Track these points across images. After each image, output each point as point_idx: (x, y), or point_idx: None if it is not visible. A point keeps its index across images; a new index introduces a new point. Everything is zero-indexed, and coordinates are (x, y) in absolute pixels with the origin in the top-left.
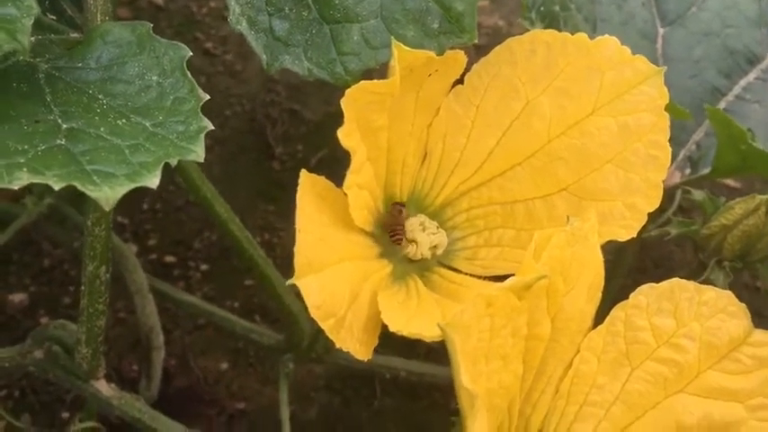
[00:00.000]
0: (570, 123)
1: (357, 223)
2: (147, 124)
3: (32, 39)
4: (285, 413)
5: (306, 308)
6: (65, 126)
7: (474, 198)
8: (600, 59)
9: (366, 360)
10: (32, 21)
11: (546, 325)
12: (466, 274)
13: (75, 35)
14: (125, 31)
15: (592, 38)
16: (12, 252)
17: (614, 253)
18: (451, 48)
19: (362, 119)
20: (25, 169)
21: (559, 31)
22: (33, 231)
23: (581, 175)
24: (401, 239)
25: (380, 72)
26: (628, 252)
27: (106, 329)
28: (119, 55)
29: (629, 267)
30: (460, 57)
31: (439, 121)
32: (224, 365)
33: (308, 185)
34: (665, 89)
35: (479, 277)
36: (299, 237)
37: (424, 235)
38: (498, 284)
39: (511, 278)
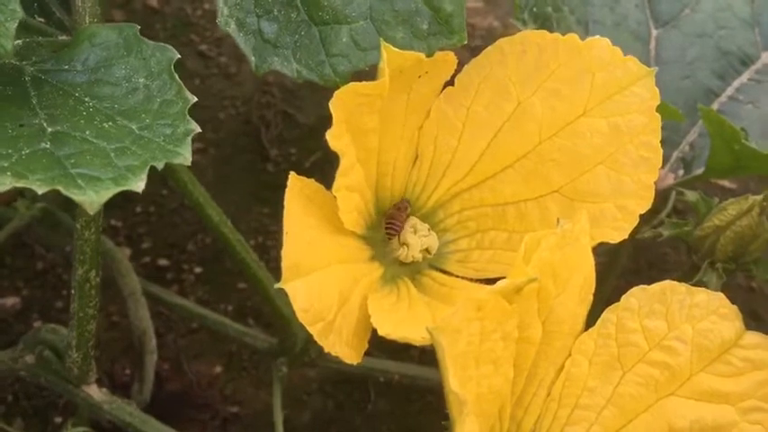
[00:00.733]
0: (561, 125)
1: (347, 226)
2: (134, 127)
3: (20, 42)
4: (278, 417)
5: None
6: (50, 129)
7: (466, 200)
8: (591, 60)
9: (359, 363)
10: (17, 24)
11: (537, 328)
12: (458, 276)
13: (63, 37)
14: (112, 33)
15: (584, 39)
16: (4, 256)
17: (608, 254)
18: (441, 49)
19: (352, 121)
20: (9, 173)
21: (552, 32)
22: (26, 235)
23: (573, 177)
24: (394, 234)
25: (371, 74)
26: (621, 253)
27: (98, 333)
28: (106, 57)
29: (622, 268)
30: (450, 58)
31: (430, 123)
32: (217, 369)
33: (297, 188)
34: (657, 90)
35: (471, 280)
36: (287, 240)
37: (415, 237)
38: (488, 288)
39: (501, 281)
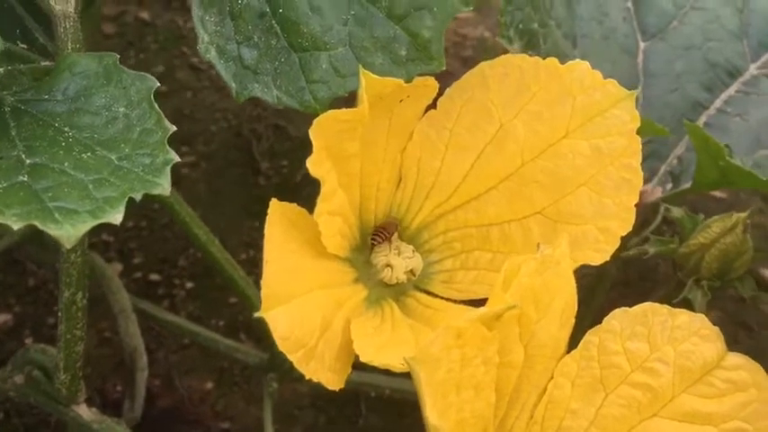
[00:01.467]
0: (543, 147)
1: (330, 250)
2: (113, 157)
3: (1, 70)
4: None
5: None
6: (28, 161)
7: (450, 221)
8: (571, 83)
9: (350, 378)
10: None
11: (518, 352)
12: (442, 298)
13: (46, 63)
14: (92, 62)
15: (572, 54)
16: None
17: (596, 268)
18: (421, 74)
19: (333, 147)
20: None
21: (539, 48)
22: (17, 252)
23: (555, 199)
24: (379, 242)
25: (351, 100)
26: (610, 267)
27: (89, 350)
28: (86, 86)
29: (612, 281)
30: (431, 83)
31: (413, 146)
32: (209, 385)
33: (278, 214)
34: (637, 113)
35: (456, 301)
36: (266, 268)
37: (399, 259)
38: (468, 315)
39: (480, 309)
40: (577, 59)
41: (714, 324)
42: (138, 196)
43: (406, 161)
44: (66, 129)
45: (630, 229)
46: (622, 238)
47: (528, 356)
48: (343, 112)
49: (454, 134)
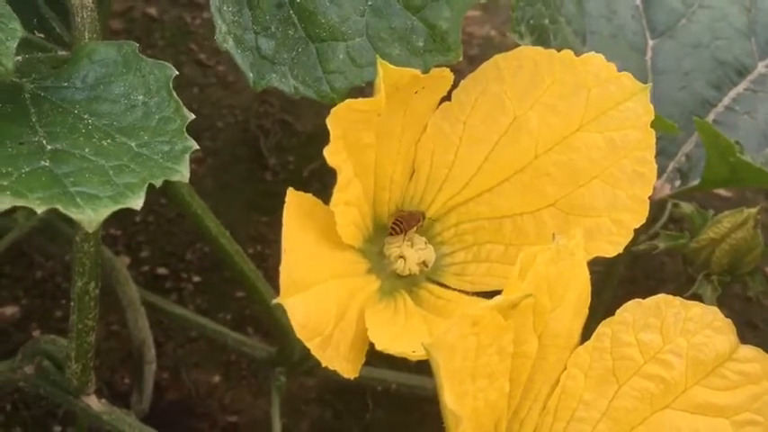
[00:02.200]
0: (557, 139)
1: (345, 240)
2: (132, 144)
3: (19, 58)
4: (277, 426)
5: None
6: (49, 147)
7: (462, 213)
8: (586, 76)
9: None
10: (17, 43)
11: (532, 342)
12: (454, 289)
13: (63, 53)
14: (111, 50)
15: (581, 51)
16: (4, 265)
17: (604, 265)
18: (437, 65)
19: (349, 137)
20: (8, 192)
21: (549, 44)
22: (25, 244)
23: (568, 191)
24: (399, 232)
25: (367, 90)
26: (618, 264)
27: (97, 343)
28: (105, 74)
29: (619, 278)
30: (447, 74)
31: (427, 138)
32: (216, 378)
33: (295, 204)
34: (651, 106)
35: (468, 293)
36: (285, 256)
37: (412, 251)
38: (484, 303)
39: (496, 297)
40: (592, 52)
41: None
42: (158, 182)
43: (420, 153)
44: (85, 116)
45: (644, 221)
46: (633, 233)
47: (542, 346)
48: (360, 102)
49: (468, 126)
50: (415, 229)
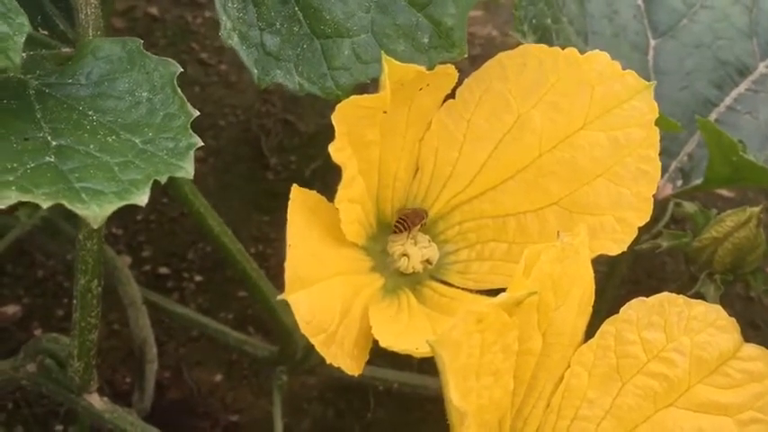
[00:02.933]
0: (561, 137)
1: (349, 237)
2: (137, 141)
3: (23, 54)
4: (278, 425)
5: None
6: (54, 143)
7: (466, 211)
8: (590, 74)
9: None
10: (24, 38)
11: (537, 340)
12: (458, 287)
13: (66, 50)
14: (116, 46)
15: (583, 50)
16: (5, 264)
17: (607, 264)
18: (442, 62)
19: (354, 133)
20: (14, 188)
21: (552, 43)
22: (27, 243)
23: (572, 189)
24: (402, 230)
25: (372, 86)
26: (621, 263)
27: (99, 342)
28: (109, 71)
29: (622, 278)
30: (451, 71)
31: (430, 135)
32: (218, 377)
33: (300, 200)
34: (655, 104)
35: (471, 291)
36: (290, 252)
37: (415, 249)
38: (489, 300)
39: (501, 294)
40: (596, 50)
41: None
42: (162, 179)
43: (424, 150)
44: (90, 112)
45: (648, 219)
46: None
47: (546, 344)
48: (365, 98)
49: (472, 124)
50: (418, 227)
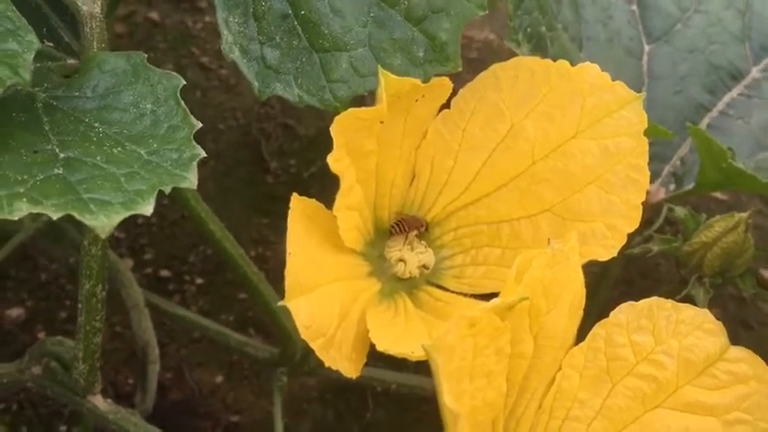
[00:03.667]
0: (553, 146)
1: (347, 244)
2: (142, 152)
3: (32, 67)
4: (279, 426)
5: None
6: (62, 155)
7: (461, 218)
8: (581, 85)
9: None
10: (33, 55)
11: (529, 343)
12: (453, 292)
13: (72, 62)
14: (121, 60)
15: (578, 56)
16: (9, 268)
17: (600, 266)
18: (437, 75)
19: (352, 144)
20: (25, 199)
21: (546, 51)
22: (30, 247)
23: (564, 197)
24: (399, 232)
25: (370, 98)
26: (613, 265)
27: (102, 344)
28: (114, 84)
29: (615, 279)
30: (446, 83)
31: (427, 144)
32: (219, 378)
33: (299, 209)
34: (644, 114)
35: (466, 295)
36: (290, 260)
37: (412, 254)
38: (481, 305)
39: (494, 300)
40: (587, 62)
41: None
42: (167, 189)
43: (420, 159)
44: (96, 124)
45: (637, 226)
46: (630, 235)
47: (537, 347)
48: (362, 111)
49: (467, 133)
50: (415, 232)
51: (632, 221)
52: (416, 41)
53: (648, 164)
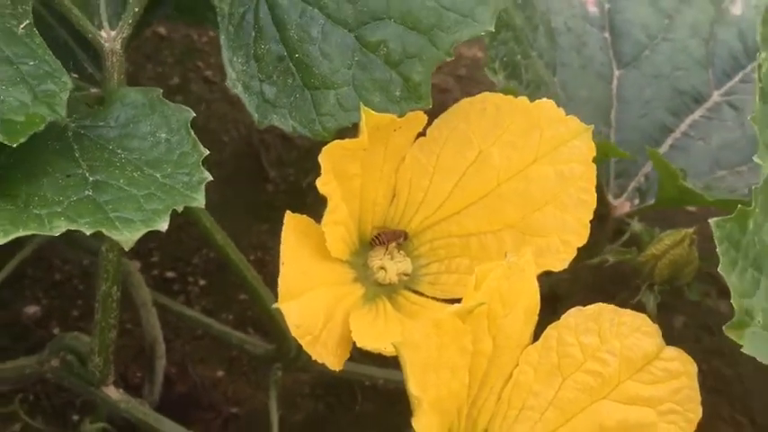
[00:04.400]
0: (516, 171)
1: (333, 254)
2: (158, 175)
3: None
4: (274, 417)
5: None
6: (91, 179)
7: (436, 231)
8: (539, 118)
9: (348, 369)
10: (68, 95)
11: (488, 342)
12: (428, 297)
13: (94, 90)
14: (139, 95)
15: (552, 81)
16: (26, 268)
17: (571, 272)
18: (411, 110)
19: (338, 168)
20: (62, 218)
21: (521, 77)
22: (46, 249)
23: (525, 215)
24: (379, 244)
25: (354, 129)
26: (583, 273)
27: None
28: (134, 115)
29: (586, 284)
30: (421, 116)
31: (405, 168)
32: (220, 373)
33: (292, 225)
34: (593, 144)
35: (440, 300)
36: (283, 269)
37: (392, 263)
38: (446, 309)
39: (455, 305)
40: (544, 99)
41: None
42: (179, 208)
43: (400, 180)
44: (118, 151)
45: (585, 241)
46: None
47: (496, 346)
48: (347, 142)
49: (441, 158)
50: (394, 243)
51: (582, 237)
52: (394, 82)
53: (616, 180)
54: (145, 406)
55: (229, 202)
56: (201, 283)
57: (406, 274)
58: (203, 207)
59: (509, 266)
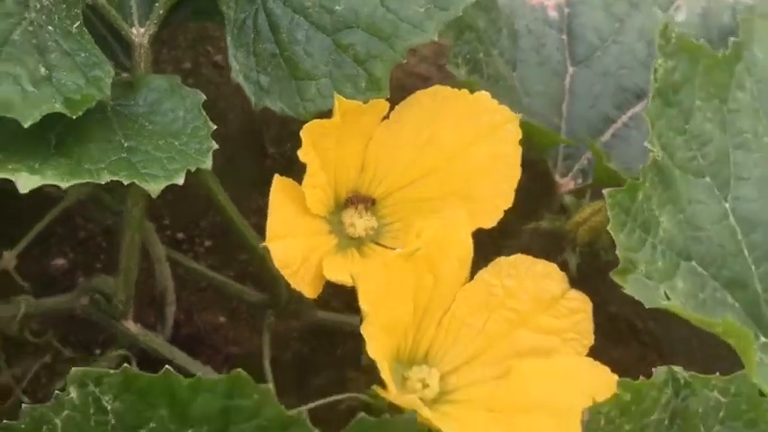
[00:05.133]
0: (460, 149)
1: (313, 211)
2: (176, 143)
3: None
4: (267, 356)
5: None
6: (126, 144)
7: (397, 197)
8: (478, 107)
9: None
10: (111, 79)
11: (429, 280)
12: (391, 248)
13: (125, 75)
14: (162, 81)
15: (512, 76)
16: (56, 226)
17: (516, 237)
18: (375, 98)
19: (317, 143)
20: (106, 171)
21: (482, 72)
22: (73, 210)
23: (466, 184)
24: (352, 204)
25: (330, 112)
26: (524, 236)
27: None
28: (158, 97)
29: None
30: (383, 103)
31: (372, 144)
32: (222, 319)
33: (280, 185)
34: (520, 129)
35: None
36: (270, 217)
37: (361, 220)
38: (393, 253)
39: (400, 249)
40: (483, 91)
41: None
42: (192, 169)
43: (368, 155)
44: (146, 124)
45: (510, 205)
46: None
47: (435, 284)
48: (324, 121)
49: (401, 138)
50: (363, 205)
51: (508, 201)
52: (360, 76)
53: (564, 162)
54: (160, 338)
55: (232, 172)
56: (207, 243)
57: (372, 230)
58: (210, 170)
59: (443, 222)
